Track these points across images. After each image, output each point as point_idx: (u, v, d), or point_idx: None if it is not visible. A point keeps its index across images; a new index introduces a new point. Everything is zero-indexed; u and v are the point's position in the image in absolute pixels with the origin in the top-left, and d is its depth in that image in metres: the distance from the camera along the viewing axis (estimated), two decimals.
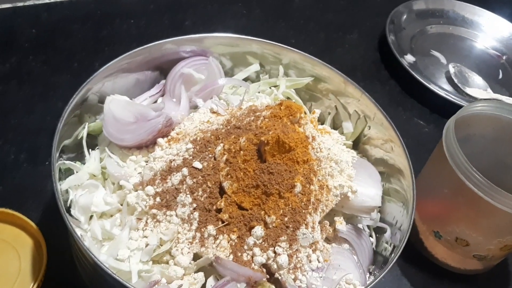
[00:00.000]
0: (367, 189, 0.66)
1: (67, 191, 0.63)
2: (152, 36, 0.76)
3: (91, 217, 0.62)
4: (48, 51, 0.95)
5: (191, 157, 0.62)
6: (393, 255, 0.62)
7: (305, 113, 0.68)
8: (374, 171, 0.71)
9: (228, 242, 0.58)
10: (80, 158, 0.67)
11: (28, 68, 0.91)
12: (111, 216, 0.63)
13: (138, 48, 0.72)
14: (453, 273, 0.78)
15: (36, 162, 0.78)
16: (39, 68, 0.92)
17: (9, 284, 0.64)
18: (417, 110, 1.03)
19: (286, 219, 0.59)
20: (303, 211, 0.60)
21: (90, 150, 0.68)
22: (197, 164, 0.61)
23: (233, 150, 0.61)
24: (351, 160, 0.69)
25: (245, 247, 0.58)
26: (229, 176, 0.60)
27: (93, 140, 0.70)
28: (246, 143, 0.61)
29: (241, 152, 0.61)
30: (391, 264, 0.58)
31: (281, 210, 0.59)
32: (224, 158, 0.61)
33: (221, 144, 0.62)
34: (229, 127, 0.65)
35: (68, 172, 0.65)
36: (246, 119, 0.65)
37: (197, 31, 0.78)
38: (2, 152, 0.79)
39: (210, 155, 0.62)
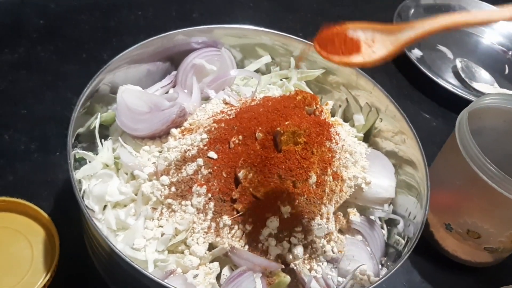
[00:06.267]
0: (381, 180, 0.67)
1: (80, 181, 0.63)
2: (159, 28, 0.75)
3: (104, 207, 0.62)
4: (56, 41, 0.94)
5: (206, 147, 0.61)
6: (407, 247, 0.62)
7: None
8: (388, 162, 0.71)
9: (243, 232, 0.58)
10: (92, 148, 0.67)
11: (36, 58, 0.91)
12: (125, 206, 0.63)
13: (150, 39, 0.71)
14: (463, 266, 0.78)
15: (46, 151, 0.78)
16: (48, 58, 0.91)
17: (22, 274, 0.63)
18: (425, 104, 1.03)
19: (301, 209, 0.59)
20: (318, 201, 0.60)
21: (102, 140, 0.67)
22: (212, 154, 0.61)
23: (249, 140, 0.61)
24: (365, 152, 0.69)
25: (260, 237, 0.58)
26: (244, 166, 0.60)
27: (105, 131, 0.70)
28: (261, 133, 0.60)
29: (256, 142, 0.60)
30: (407, 256, 0.58)
31: (296, 201, 0.59)
32: (239, 148, 0.61)
33: (236, 134, 0.62)
34: (243, 117, 0.64)
35: (81, 162, 0.65)
36: (261, 109, 0.64)
37: (205, 23, 0.77)
38: (13, 142, 0.78)
39: (225, 145, 0.62)
